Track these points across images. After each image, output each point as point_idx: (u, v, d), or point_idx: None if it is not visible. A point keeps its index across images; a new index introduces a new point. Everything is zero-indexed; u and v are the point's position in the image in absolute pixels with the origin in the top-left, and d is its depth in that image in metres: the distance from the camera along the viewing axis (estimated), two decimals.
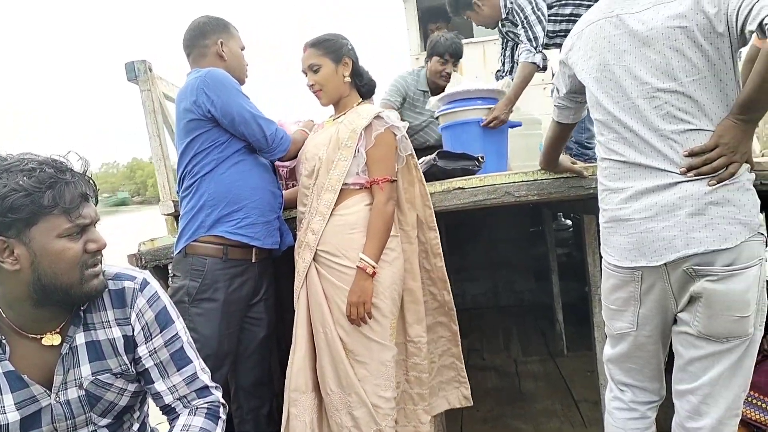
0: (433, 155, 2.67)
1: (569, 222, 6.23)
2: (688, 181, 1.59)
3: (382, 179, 2.18)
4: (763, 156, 3.27)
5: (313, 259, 2.21)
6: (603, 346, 2.00)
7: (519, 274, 6.26)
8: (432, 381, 2.49)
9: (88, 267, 1.38)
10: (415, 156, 2.40)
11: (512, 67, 3.45)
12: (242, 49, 2.45)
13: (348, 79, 2.30)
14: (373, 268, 2.11)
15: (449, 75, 3.57)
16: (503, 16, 3.17)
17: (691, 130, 1.61)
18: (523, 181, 2.44)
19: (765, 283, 1.64)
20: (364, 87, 2.37)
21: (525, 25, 3.03)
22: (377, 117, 2.21)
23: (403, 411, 2.39)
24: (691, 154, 1.59)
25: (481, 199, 2.47)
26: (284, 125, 2.55)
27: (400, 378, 2.37)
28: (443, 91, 3.53)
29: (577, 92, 1.94)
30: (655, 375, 1.86)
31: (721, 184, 1.57)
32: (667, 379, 1.83)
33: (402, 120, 2.87)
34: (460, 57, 3.54)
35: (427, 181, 2.53)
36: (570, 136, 2.27)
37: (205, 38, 2.36)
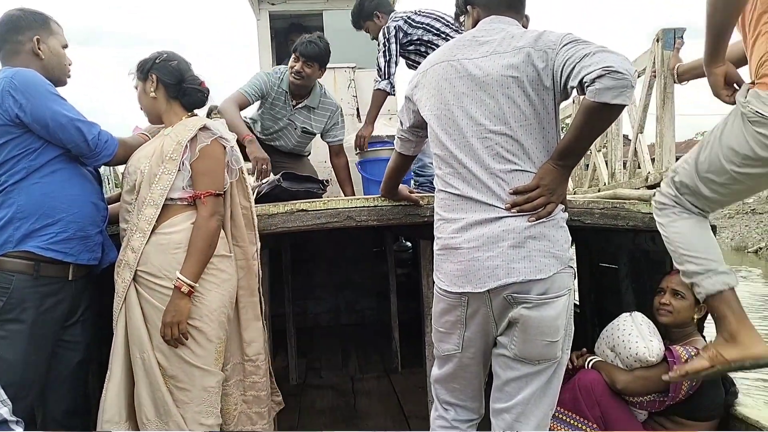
0: (278, 176, 2.67)
1: (409, 244, 6.48)
2: (511, 216, 1.74)
3: (205, 193, 2.10)
4: (574, 194, 3.67)
5: (133, 279, 2.09)
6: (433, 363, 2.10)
7: (361, 294, 6.38)
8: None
9: None
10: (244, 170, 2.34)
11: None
12: (64, 47, 2.25)
13: (154, 94, 2.23)
14: (190, 287, 2.03)
15: (299, 74, 3.43)
16: None
17: (516, 170, 1.76)
18: (364, 207, 2.53)
19: (572, 311, 1.83)
20: (183, 99, 2.26)
21: (377, 55, 3.31)
22: (203, 128, 2.14)
23: None
24: (515, 192, 1.74)
25: (323, 222, 2.52)
26: (139, 130, 2.42)
27: (237, 399, 2.30)
28: (301, 93, 3.54)
29: (419, 127, 2.04)
30: (476, 395, 1.99)
31: (539, 220, 1.73)
32: (486, 398, 1.97)
33: (260, 121, 2.99)
34: (313, 59, 3.40)
35: (270, 202, 2.51)
36: (410, 167, 2.38)
37: (19, 34, 2.14)
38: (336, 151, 3.73)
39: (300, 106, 3.60)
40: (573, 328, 1.84)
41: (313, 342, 5.64)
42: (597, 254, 3.73)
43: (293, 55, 3.43)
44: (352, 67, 4.85)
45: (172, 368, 2.06)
